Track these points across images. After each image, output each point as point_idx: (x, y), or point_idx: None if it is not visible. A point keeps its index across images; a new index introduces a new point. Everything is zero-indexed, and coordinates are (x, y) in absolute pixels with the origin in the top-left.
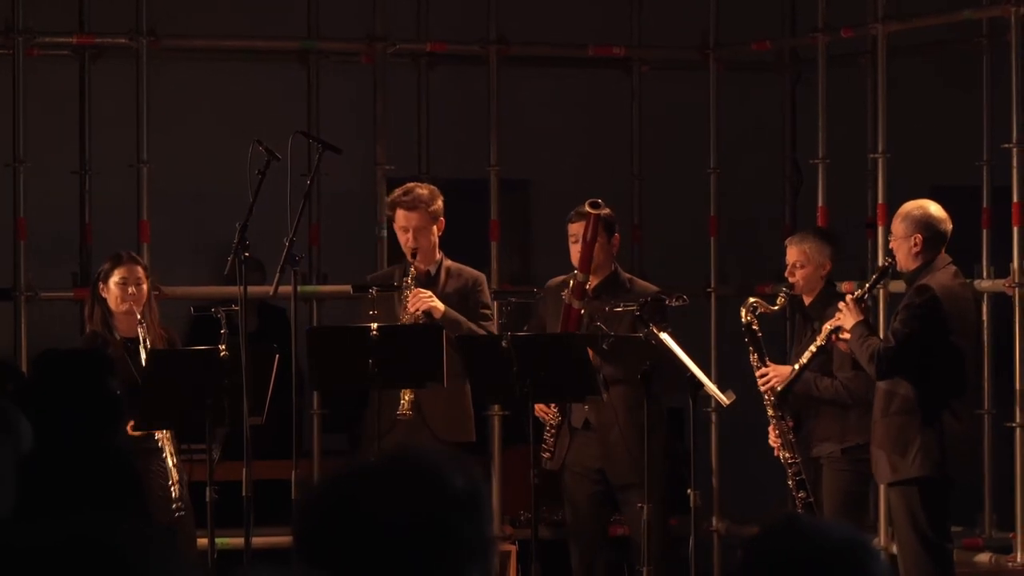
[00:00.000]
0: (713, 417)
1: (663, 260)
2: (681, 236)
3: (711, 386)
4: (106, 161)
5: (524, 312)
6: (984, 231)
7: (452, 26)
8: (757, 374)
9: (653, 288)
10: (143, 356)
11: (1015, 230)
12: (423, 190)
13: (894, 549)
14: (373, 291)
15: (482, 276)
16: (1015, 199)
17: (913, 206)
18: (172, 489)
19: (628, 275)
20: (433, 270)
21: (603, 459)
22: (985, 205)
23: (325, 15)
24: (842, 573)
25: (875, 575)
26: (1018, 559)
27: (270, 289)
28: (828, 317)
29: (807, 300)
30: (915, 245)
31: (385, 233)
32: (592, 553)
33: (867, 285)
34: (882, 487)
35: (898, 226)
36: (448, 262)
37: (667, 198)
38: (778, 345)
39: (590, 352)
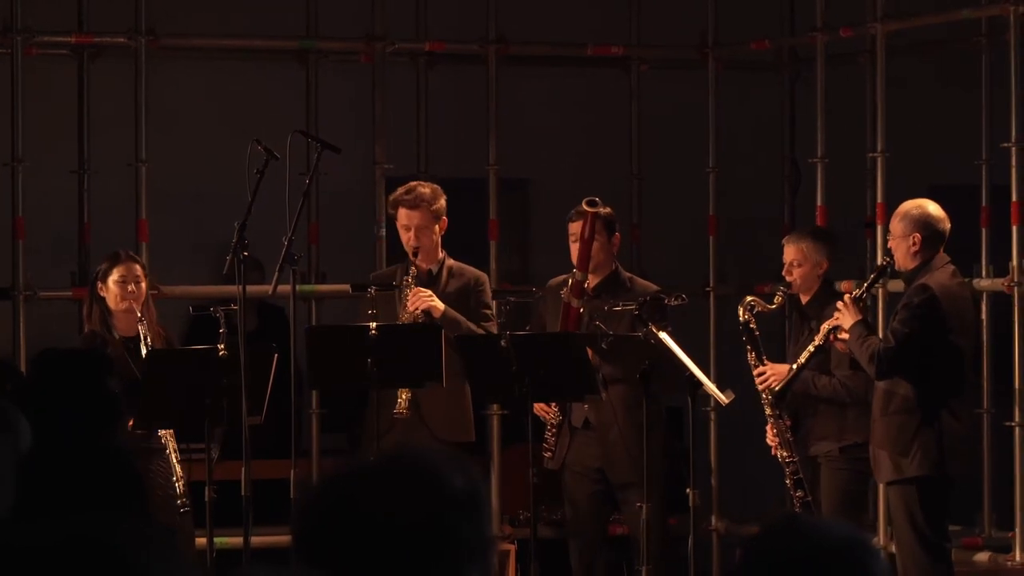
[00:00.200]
0: (712, 416)
1: (662, 259)
2: (680, 235)
3: (710, 385)
4: (105, 160)
5: (523, 312)
6: (983, 230)
7: (451, 25)
8: (755, 373)
9: (654, 287)
10: (145, 353)
11: (1014, 229)
12: (425, 189)
13: (893, 548)
14: (372, 290)
15: (484, 276)
16: (1014, 198)
17: (912, 205)
18: (177, 485)
19: (629, 274)
20: (435, 269)
21: (602, 458)
22: (984, 204)
23: (324, 14)
24: (842, 572)
25: (875, 574)
26: (1017, 558)
27: (269, 288)
28: (826, 316)
29: (804, 299)
30: (914, 244)
31: (384, 232)
32: (592, 552)
33: (865, 284)
34: (881, 486)
35: (896, 225)
36: (451, 261)
37: (666, 197)
38: (776, 344)
39: (589, 351)
